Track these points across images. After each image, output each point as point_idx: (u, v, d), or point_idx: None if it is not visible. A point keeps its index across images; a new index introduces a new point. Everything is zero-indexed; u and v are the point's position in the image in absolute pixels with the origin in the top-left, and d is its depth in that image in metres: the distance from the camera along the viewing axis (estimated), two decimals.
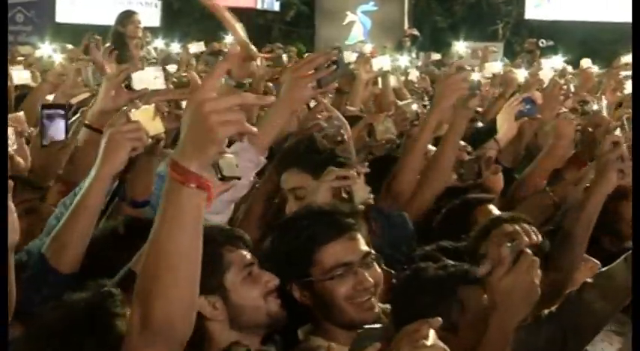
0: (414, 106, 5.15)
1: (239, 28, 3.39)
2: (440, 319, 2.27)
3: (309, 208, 2.87)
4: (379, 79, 6.55)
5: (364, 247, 2.76)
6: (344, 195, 3.29)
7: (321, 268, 2.68)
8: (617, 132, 4.12)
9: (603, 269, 3.09)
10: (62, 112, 3.70)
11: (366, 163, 3.75)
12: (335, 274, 2.68)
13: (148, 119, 2.98)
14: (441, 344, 2.18)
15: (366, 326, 2.63)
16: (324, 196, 3.19)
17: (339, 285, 2.67)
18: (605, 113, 4.95)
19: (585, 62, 8.75)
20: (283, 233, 2.80)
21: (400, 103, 5.89)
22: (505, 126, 4.53)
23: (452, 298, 2.69)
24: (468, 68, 4.15)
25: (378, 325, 2.66)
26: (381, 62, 6.49)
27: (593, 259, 3.51)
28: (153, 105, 3.05)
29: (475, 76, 3.92)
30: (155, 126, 3.01)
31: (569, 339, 2.98)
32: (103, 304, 2.26)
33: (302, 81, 3.14)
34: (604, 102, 5.13)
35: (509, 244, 2.56)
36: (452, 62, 6.30)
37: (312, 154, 3.58)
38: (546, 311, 3.05)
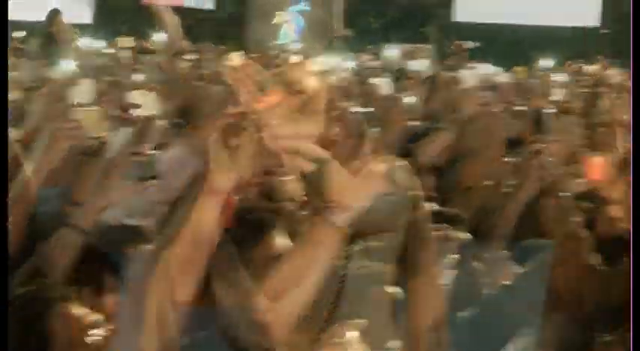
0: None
1: (173, 23, 3.39)
2: None
3: None
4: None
5: None
6: None
7: None
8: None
9: (520, 271, 3.19)
10: None
11: None
12: None
13: (91, 121, 3.01)
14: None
15: None
16: None
17: None
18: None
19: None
20: None
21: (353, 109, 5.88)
22: None
23: None
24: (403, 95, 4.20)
25: None
26: (320, 63, 6.48)
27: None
28: (99, 108, 3.09)
29: (411, 99, 3.98)
30: (98, 128, 3.04)
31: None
32: (38, 297, 2.26)
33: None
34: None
35: None
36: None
37: None
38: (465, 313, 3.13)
